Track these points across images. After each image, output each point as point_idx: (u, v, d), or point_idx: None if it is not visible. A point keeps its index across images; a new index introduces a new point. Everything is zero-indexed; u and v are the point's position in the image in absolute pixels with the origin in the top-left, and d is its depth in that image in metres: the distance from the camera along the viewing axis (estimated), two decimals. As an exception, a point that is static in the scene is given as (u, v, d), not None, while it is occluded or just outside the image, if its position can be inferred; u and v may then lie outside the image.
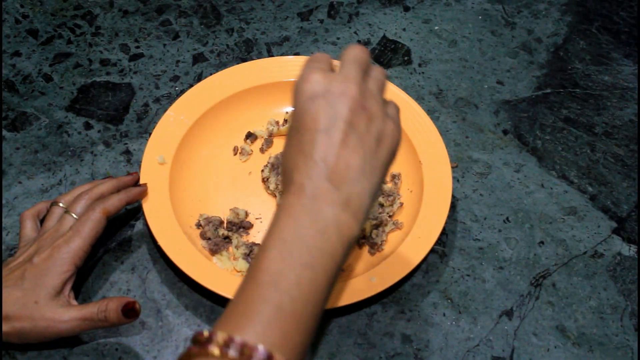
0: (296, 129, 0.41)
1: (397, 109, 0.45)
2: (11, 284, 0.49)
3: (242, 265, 0.56)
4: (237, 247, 0.58)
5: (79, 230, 0.52)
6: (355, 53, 0.43)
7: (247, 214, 0.60)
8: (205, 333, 0.36)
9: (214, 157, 0.64)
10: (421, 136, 0.63)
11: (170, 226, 0.56)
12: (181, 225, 0.57)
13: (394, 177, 0.63)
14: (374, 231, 0.59)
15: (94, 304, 0.49)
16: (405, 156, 0.63)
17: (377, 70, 0.44)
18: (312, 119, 0.40)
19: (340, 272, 0.41)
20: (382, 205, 0.61)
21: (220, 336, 0.35)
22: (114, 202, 0.54)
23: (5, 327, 0.48)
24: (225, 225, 0.59)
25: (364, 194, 0.40)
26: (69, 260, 0.50)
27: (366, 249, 0.59)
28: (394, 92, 0.66)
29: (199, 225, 0.59)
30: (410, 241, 0.56)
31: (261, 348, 0.35)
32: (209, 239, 0.58)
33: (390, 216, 0.60)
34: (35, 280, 0.49)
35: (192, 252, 0.55)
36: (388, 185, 0.63)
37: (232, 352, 0.35)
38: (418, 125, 0.64)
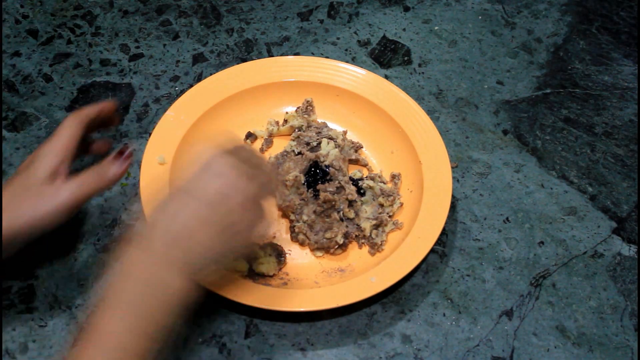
0: (183, 191, 0.46)
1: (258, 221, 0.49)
2: (7, 186, 0.50)
3: (243, 265, 0.56)
4: None
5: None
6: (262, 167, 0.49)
7: None
8: None
9: None
10: (421, 136, 0.63)
11: None
12: None
13: (394, 177, 0.63)
14: (374, 231, 0.59)
15: (88, 173, 0.52)
16: (406, 156, 0.63)
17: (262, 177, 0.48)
18: (203, 190, 0.45)
19: (166, 329, 0.44)
20: (382, 205, 0.61)
21: None
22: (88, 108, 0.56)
23: (19, 223, 0.49)
24: None
25: (201, 261, 0.45)
26: (55, 149, 0.52)
27: (366, 249, 0.59)
28: (393, 92, 0.66)
29: None
30: (410, 241, 0.56)
31: None
32: None
33: (390, 216, 0.60)
34: (27, 171, 0.51)
35: None
36: (388, 185, 0.63)
37: None
38: (418, 125, 0.64)
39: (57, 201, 0.50)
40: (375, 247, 0.59)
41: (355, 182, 0.62)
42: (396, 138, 0.64)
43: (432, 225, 0.57)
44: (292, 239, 0.60)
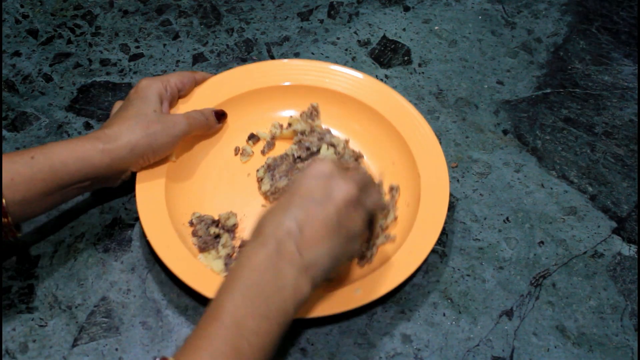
0: (289, 193, 0.47)
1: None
2: (121, 116, 0.55)
3: (218, 266, 0.56)
4: (223, 246, 0.58)
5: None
6: (366, 176, 0.51)
7: (236, 225, 0.60)
8: None
9: (215, 156, 0.64)
10: (423, 150, 0.62)
11: (162, 222, 0.56)
12: (174, 222, 0.57)
13: (392, 189, 0.62)
14: (364, 243, 0.57)
15: (195, 111, 0.61)
16: (406, 169, 0.62)
17: (377, 195, 0.51)
18: (307, 189, 0.47)
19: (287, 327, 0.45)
20: None
21: None
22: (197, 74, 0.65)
23: (143, 144, 0.55)
24: (218, 223, 0.59)
25: (323, 268, 0.46)
26: (155, 89, 0.58)
27: (355, 260, 0.58)
28: (399, 103, 0.65)
29: (191, 223, 0.59)
30: (401, 256, 0.55)
31: None
32: (200, 236, 0.58)
33: (382, 229, 0.59)
34: (142, 103, 0.56)
35: (180, 248, 0.55)
36: (385, 198, 0.61)
37: None
38: (421, 139, 0.63)
39: (179, 128, 0.57)
40: (364, 259, 0.57)
41: None
42: (398, 150, 0.63)
43: (424, 241, 0.56)
44: None
